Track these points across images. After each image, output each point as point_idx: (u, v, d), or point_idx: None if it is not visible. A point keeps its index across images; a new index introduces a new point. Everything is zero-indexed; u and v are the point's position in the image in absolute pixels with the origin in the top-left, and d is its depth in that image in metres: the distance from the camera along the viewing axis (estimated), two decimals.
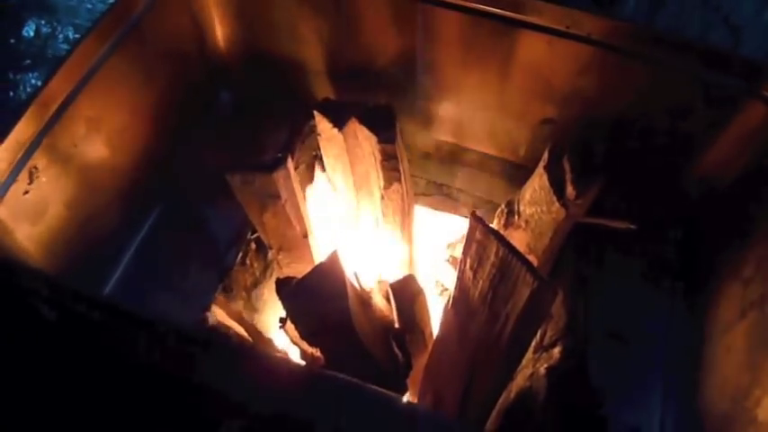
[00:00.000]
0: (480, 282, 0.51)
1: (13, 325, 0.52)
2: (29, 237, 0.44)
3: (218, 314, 0.54)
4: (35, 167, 0.45)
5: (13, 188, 0.43)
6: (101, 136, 0.51)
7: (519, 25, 0.48)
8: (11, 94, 0.61)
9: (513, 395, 0.53)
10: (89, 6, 0.61)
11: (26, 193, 0.44)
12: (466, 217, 0.66)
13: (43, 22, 0.59)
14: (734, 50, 0.61)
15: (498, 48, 0.50)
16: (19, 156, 0.44)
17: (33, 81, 0.57)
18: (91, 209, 0.52)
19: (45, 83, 0.45)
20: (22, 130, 0.44)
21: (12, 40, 0.61)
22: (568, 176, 0.52)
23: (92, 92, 0.48)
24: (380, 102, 0.59)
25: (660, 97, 0.49)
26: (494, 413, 0.53)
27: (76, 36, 0.61)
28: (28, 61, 0.63)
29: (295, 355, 0.58)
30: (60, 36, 0.59)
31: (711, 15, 0.88)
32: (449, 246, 0.68)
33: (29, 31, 0.60)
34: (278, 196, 0.53)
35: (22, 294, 0.50)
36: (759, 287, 0.43)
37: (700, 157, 0.50)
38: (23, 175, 0.44)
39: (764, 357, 0.40)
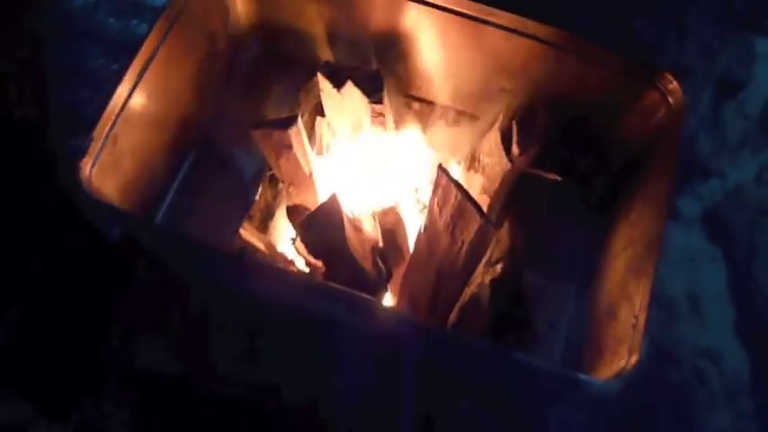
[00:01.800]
0: (444, 216, 0.68)
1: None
2: (111, 188, 0.59)
3: (245, 235, 0.71)
4: (116, 135, 0.59)
5: (103, 154, 0.57)
6: (156, 102, 0.64)
7: (482, 22, 0.61)
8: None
9: (467, 297, 0.70)
10: None
11: (110, 155, 0.59)
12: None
13: None
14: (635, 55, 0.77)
15: (468, 37, 0.64)
16: (107, 128, 0.58)
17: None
18: (146, 158, 0.66)
19: (127, 65, 0.60)
20: (112, 107, 0.59)
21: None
22: (515, 138, 0.67)
23: (155, 67, 0.62)
24: (371, 67, 0.73)
25: (587, 83, 0.63)
26: (454, 309, 0.72)
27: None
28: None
29: (301, 264, 0.75)
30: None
31: None
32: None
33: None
34: (290, 147, 0.68)
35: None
36: (635, 231, 0.60)
37: (615, 130, 0.65)
38: (110, 142, 0.58)
39: (630, 281, 0.57)
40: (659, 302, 0.94)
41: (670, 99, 0.64)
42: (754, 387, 0.86)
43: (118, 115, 0.60)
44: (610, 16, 0.89)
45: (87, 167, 0.59)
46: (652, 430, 0.84)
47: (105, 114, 0.58)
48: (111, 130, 0.59)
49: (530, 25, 0.62)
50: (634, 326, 0.53)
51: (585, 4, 0.88)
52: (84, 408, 0.78)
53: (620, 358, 0.52)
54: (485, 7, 0.62)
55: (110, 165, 0.60)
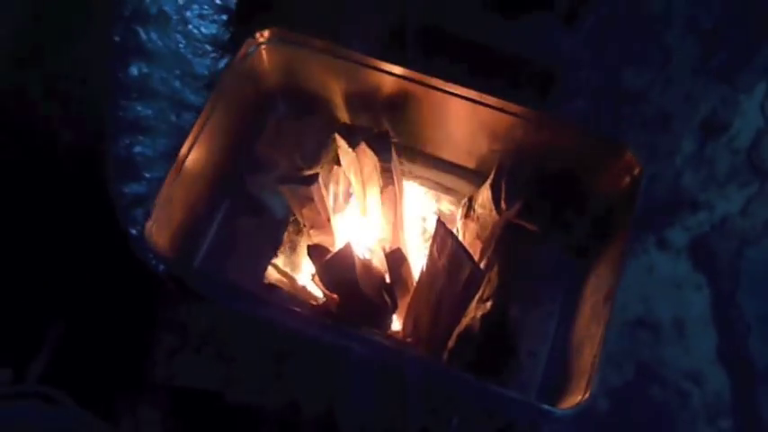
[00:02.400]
0: (442, 259, 0.80)
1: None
2: (162, 236, 0.72)
3: (272, 272, 0.84)
4: (172, 196, 0.73)
5: (160, 214, 0.70)
6: (203, 160, 0.78)
7: (475, 102, 0.75)
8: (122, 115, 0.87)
9: (462, 327, 0.82)
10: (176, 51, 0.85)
11: (165, 212, 0.72)
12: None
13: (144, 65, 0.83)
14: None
15: (464, 110, 0.77)
16: (166, 193, 0.72)
17: (140, 109, 0.82)
18: (191, 208, 0.79)
19: (188, 130, 0.74)
20: (172, 172, 0.73)
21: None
22: (503, 195, 0.79)
23: (206, 130, 0.76)
24: (382, 129, 0.86)
25: (564, 149, 0.75)
26: (452, 337, 0.83)
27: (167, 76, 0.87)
28: (135, 94, 0.88)
29: (319, 293, 0.88)
30: (157, 77, 0.84)
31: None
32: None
33: (133, 69, 0.84)
34: (312, 200, 0.82)
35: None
36: (599, 281, 0.72)
37: (593, 186, 0.77)
38: (167, 203, 0.71)
39: (592, 325, 0.68)
40: (647, 327, 1.02)
41: (631, 169, 0.74)
42: (734, 407, 0.99)
43: (175, 178, 0.73)
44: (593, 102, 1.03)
45: (148, 225, 0.72)
46: None
47: (167, 181, 0.71)
48: (169, 193, 0.72)
49: (513, 107, 0.75)
50: (592, 364, 0.64)
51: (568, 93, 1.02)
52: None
53: (579, 391, 0.63)
54: (476, 93, 0.75)
55: (164, 220, 0.74)
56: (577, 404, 0.60)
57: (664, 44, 1.11)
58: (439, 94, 0.77)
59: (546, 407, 0.61)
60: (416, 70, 0.79)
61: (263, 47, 0.83)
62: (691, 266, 1.07)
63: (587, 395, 0.60)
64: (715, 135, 1.11)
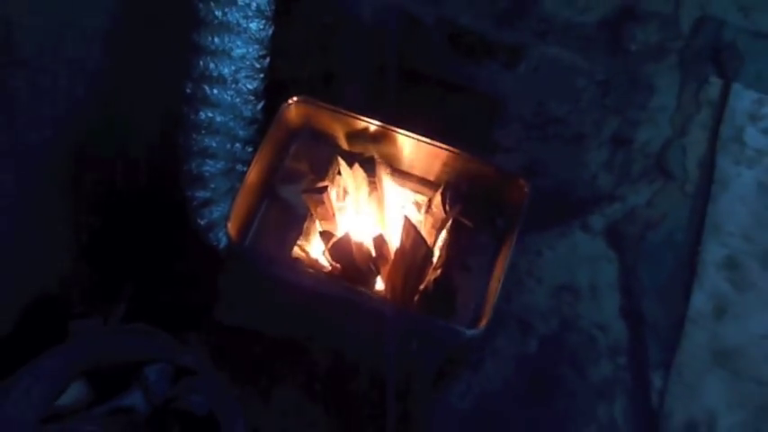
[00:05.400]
0: (408, 242, 0.99)
1: None
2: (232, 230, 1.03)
3: (296, 251, 1.08)
4: (242, 204, 1.04)
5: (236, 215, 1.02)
6: (257, 178, 1.06)
7: (431, 145, 1.05)
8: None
9: (422, 287, 0.98)
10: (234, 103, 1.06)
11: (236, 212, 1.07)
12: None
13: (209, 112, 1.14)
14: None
15: (424, 149, 1.07)
16: (241, 201, 1.03)
17: (207, 141, 1.15)
18: (247, 209, 1.07)
19: (246, 175, 1.02)
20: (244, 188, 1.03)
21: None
22: (448, 200, 1.04)
23: (259, 156, 1.05)
24: (369, 154, 1.10)
25: (480, 172, 1.05)
26: (417, 293, 1.05)
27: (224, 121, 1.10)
28: (203, 131, 1.20)
29: (327, 265, 1.08)
30: (218, 119, 1.14)
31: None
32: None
33: (201, 114, 1.15)
34: (324, 203, 1.04)
35: None
36: (507, 258, 1.00)
37: (506, 197, 1.06)
38: (241, 209, 1.03)
39: (497, 286, 0.96)
40: (570, 290, 1.24)
41: (522, 188, 1.02)
42: (628, 349, 1.19)
43: (241, 189, 1.01)
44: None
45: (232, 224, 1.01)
46: (557, 376, 1.18)
47: (242, 189, 1.01)
48: (238, 199, 1.00)
49: (453, 149, 1.05)
50: (492, 307, 0.91)
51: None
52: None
53: (483, 323, 0.97)
54: (428, 139, 1.04)
55: (233, 216, 1.02)
56: (478, 329, 0.96)
57: (577, 87, 1.34)
58: (403, 136, 1.04)
59: (460, 328, 0.93)
60: (385, 121, 1.05)
61: (292, 105, 1.07)
62: (605, 245, 1.26)
63: (484, 324, 0.95)
64: (623, 146, 1.32)
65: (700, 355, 1.17)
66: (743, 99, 1.31)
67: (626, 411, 1.14)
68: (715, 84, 1.32)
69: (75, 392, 1.01)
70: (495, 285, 0.94)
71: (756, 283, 1.23)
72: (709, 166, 1.29)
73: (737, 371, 1.17)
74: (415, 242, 1.01)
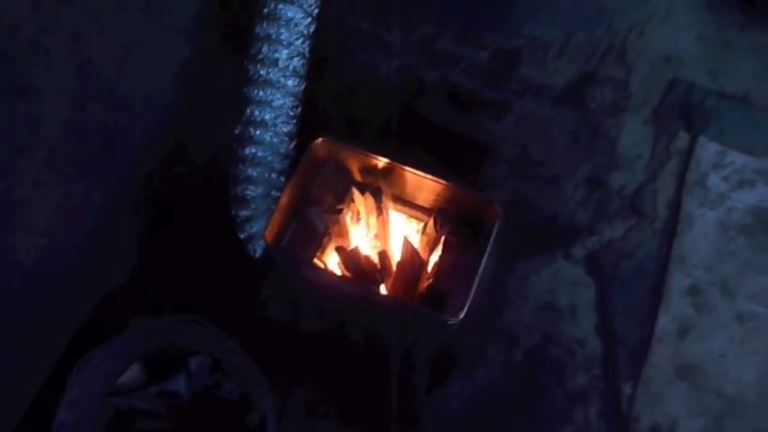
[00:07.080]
0: (406, 257, 1.13)
1: None
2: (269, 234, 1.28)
3: (317, 261, 1.21)
4: (277, 222, 1.19)
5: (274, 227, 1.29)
6: (286, 197, 1.20)
7: (423, 178, 1.20)
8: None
9: (418, 293, 1.16)
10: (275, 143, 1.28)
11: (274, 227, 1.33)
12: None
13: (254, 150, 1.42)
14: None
15: (419, 181, 1.23)
16: (281, 219, 1.20)
17: (250, 171, 1.44)
18: (281, 225, 1.21)
19: (280, 199, 1.18)
20: (279, 208, 1.18)
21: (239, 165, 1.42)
22: (439, 224, 1.17)
23: (290, 184, 1.20)
24: (378, 185, 1.23)
25: (466, 200, 1.20)
26: (414, 297, 1.15)
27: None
28: (247, 163, 1.49)
29: (340, 271, 1.19)
30: (260, 154, 1.43)
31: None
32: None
33: (246, 150, 1.45)
34: (339, 222, 1.19)
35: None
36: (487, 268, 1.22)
37: (484, 220, 1.28)
38: (277, 224, 1.27)
39: (476, 291, 1.18)
40: (552, 309, 1.31)
41: (497, 213, 1.14)
42: (602, 362, 1.25)
43: (276, 210, 1.16)
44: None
45: (265, 233, 1.16)
46: (539, 383, 1.24)
47: (277, 209, 1.17)
48: (273, 218, 1.16)
49: (444, 181, 1.19)
50: (470, 304, 1.05)
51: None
52: None
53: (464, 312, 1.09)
54: (424, 172, 1.21)
55: (270, 231, 1.17)
56: (458, 317, 1.06)
57: (553, 135, 1.45)
58: (406, 171, 1.20)
59: (444, 316, 1.09)
60: (393, 159, 1.19)
61: (318, 144, 1.21)
62: (584, 271, 1.33)
63: (462, 316, 1.14)
64: (598, 188, 1.40)
65: (664, 368, 1.24)
66: (708, 150, 1.42)
67: (599, 415, 1.21)
68: (684, 137, 1.43)
69: (132, 373, 1.14)
70: (472, 287, 1.09)
71: (716, 308, 1.31)
72: (676, 206, 1.38)
73: (698, 384, 1.24)
74: (412, 257, 1.16)
